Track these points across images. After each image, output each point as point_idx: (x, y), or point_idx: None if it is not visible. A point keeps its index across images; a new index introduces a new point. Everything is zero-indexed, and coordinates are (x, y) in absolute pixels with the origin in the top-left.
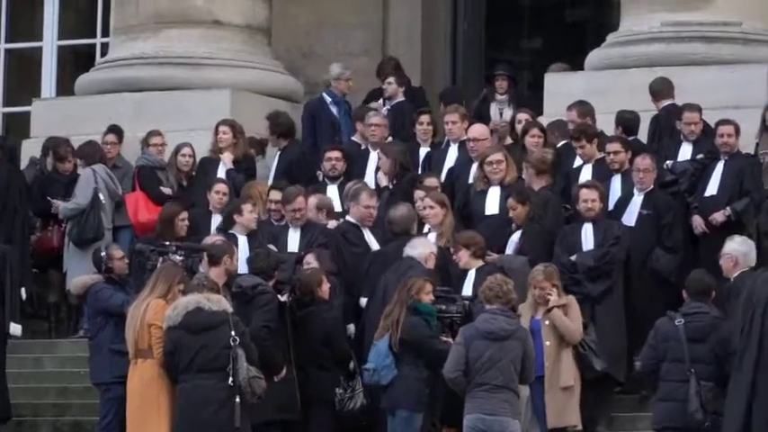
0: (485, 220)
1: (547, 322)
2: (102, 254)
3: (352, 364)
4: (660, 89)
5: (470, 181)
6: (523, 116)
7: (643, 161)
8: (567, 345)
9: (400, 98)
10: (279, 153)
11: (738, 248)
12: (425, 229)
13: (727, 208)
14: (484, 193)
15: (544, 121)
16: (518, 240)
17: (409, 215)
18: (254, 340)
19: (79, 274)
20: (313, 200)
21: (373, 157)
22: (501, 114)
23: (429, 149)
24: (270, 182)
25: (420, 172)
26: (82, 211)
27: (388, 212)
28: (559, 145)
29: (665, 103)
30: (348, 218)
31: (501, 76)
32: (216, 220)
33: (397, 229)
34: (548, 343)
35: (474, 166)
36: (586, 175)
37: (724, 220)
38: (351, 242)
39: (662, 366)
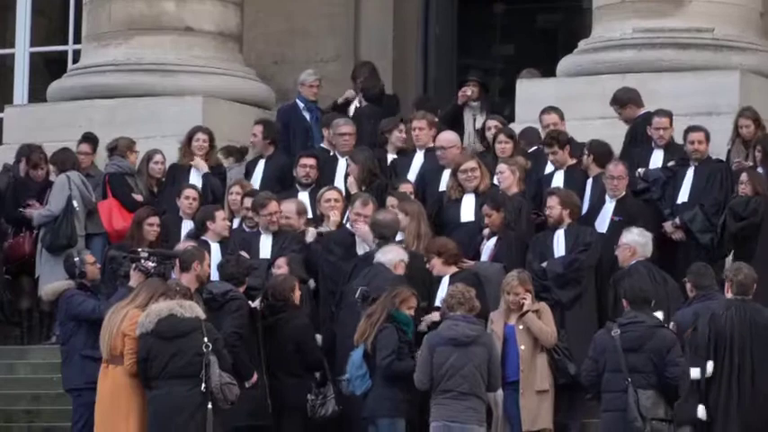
0: (461, 228)
1: (521, 327)
2: (76, 259)
3: (323, 374)
4: (635, 97)
5: (441, 188)
6: (493, 123)
7: (616, 168)
8: (541, 349)
9: (365, 103)
10: (265, 160)
11: (637, 239)
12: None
13: (677, 218)
14: (458, 200)
15: (517, 127)
16: (493, 247)
17: (396, 220)
18: (224, 346)
19: (52, 281)
20: (292, 205)
21: (342, 163)
22: (474, 120)
23: (395, 156)
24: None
25: (387, 178)
26: (55, 218)
27: (375, 217)
28: (530, 151)
29: (642, 111)
30: (347, 225)
31: (472, 82)
32: (186, 225)
33: (386, 233)
34: (522, 347)
35: (445, 174)
36: (558, 181)
37: (673, 231)
38: (329, 250)
39: (603, 377)
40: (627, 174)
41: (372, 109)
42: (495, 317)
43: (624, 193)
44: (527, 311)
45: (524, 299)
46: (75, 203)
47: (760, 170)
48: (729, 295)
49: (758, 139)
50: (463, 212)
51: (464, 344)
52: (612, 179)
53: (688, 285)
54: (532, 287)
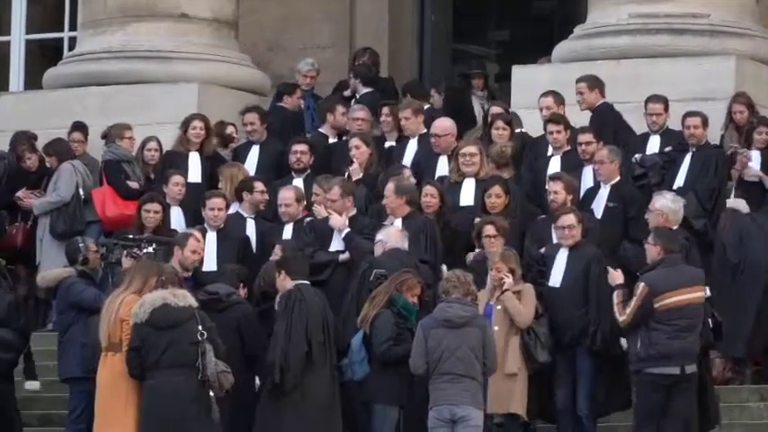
0: (460, 211)
1: (499, 306)
2: (81, 245)
3: None
4: (601, 85)
5: (437, 175)
6: (497, 110)
7: (599, 153)
8: (515, 332)
9: (364, 90)
10: (260, 146)
11: (670, 206)
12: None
13: None
14: (459, 184)
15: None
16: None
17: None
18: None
19: (57, 266)
20: (290, 192)
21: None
22: (483, 108)
23: (393, 143)
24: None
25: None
26: (66, 204)
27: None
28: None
29: (602, 100)
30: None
31: (477, 74)
32: (175, 212)
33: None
34: (496, 328)
35: (440, 161)
36: (555, 166)
37: None
38: (304, 232)
39: None
40: (611, 159)
41: (372, 95)
42: (480, 295)
43: (619, 178)
44: (506, 290)
45: (505, 277)
46: (80, 191)
47: (755, 153)
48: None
49: (762, 120)
50: (463, 197)
51: (458, 325)
52: (594, 164)
53: (656, 248)
54: (518, 267)
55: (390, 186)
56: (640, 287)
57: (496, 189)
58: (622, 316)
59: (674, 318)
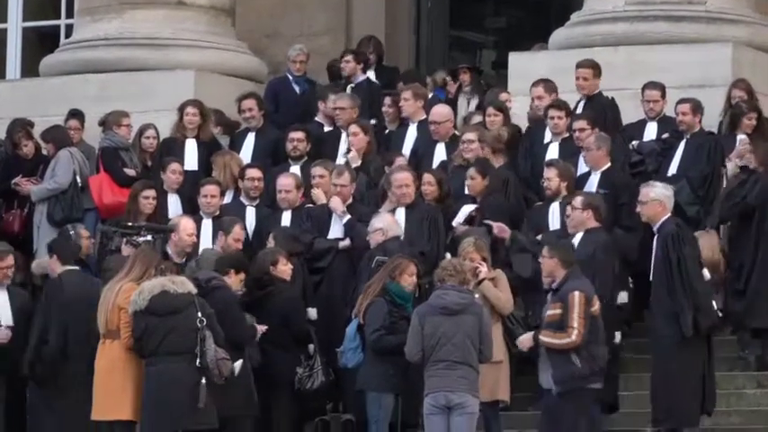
0: (463, 199)
1: (477, 295)
2: (71, 232)
3: (312, 347)
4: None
5: (435, 162)
6: (505, 96)
7: (586, 140)
8: (496, 319)
9: (362, 77)
10: (255, 133)
11: (665, 192)
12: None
13: None
14: (463, 169)
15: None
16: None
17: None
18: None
19: None
20: (289, 179)
21: (344, 138)
22: (468, 104)
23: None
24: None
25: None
26: (63, 192)
27: None
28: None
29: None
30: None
31: (462, 69)
32: (172, 199)
33: None
34: None
35: (439, 147)
36: (553, 152)
37: None
38: (302, 220)
39: None
40: (599, 146)
41: (368, 83)
42: None
43: (609, 165)
44: (483, 279)
45: (479, 266)
46: (78, 178)
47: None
48: None
49: (752, 106)
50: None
51: (454, 312)
52: (582, 150)
53: (552, 261)
54: (489, 255)
55: (410, 176)
56: (576, 296)
57: (471, 171)
58: (568, 337)
59: (598, 329)
